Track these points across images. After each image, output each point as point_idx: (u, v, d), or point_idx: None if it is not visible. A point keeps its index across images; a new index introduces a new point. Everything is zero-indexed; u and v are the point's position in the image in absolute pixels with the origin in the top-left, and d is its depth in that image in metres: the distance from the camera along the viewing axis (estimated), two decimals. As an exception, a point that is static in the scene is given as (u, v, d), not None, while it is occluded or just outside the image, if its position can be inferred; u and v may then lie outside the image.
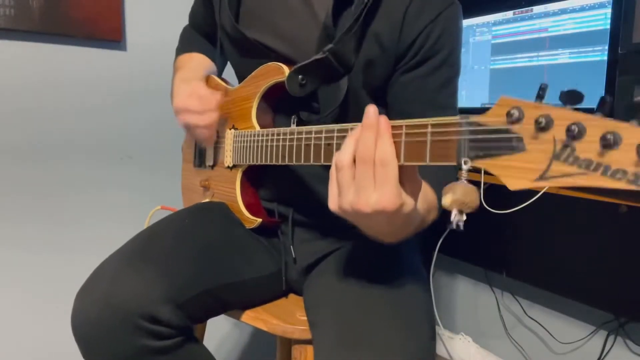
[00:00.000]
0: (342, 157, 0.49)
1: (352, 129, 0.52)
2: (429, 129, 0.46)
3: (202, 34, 1.01)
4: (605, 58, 1.00)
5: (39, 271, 1.30)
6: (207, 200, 0.90)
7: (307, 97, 0.73)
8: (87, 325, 0.63)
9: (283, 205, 0.83)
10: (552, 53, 1.10)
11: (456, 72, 0.76)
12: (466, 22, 1.25)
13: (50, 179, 1.30)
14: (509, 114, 0.39)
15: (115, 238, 0.75)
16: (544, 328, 1.34)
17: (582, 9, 1.04)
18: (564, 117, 0.36)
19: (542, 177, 0.37)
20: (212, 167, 0.90)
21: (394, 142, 0.48)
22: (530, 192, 1.00)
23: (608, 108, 0.35)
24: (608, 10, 0.99)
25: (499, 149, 0.40)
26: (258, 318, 0.77)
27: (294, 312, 0.79)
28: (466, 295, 1.60)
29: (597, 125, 0.34)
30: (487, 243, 1.43)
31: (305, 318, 0.74)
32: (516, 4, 1.17)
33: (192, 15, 1.04)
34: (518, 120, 0.39)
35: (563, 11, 1.08)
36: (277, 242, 0.84)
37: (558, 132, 0.36)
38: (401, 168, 0.48)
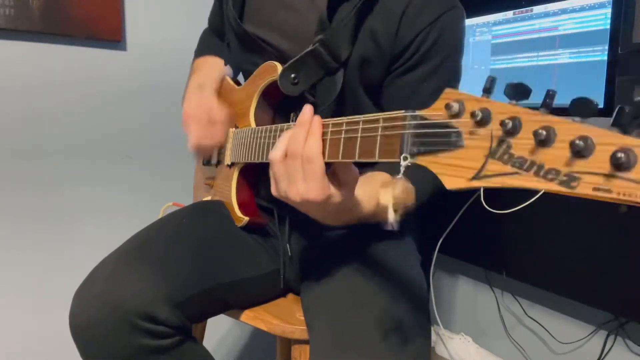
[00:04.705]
0: (274, 153, 0.54)
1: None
2: (380, 123, 0.44)
3: (219, 36, 1.01)
4: (605, 58, 1.00)
5: (39, 271, 1.30)
6: (208, 198, 0.90)
7: (304, 93, 0.72)
8: (85, 325, 0.63)
9: (282, 204, 0.82)
10: (552, 53, 1.10)
11: (451, 79, 0.73)
12: (466, 22, 1.25)
13: (51, 179, 1.30)
14: (447, 107, 0.36)
15: (122, 237, 0.75)
16: (544, 328, 1.34)
17: (582, 9, 1.04)
18: (502, 111, 0.33)
19: (477, 177, 0.34)
20: (217, 165, 0.90)
21: (353, 138, 0.48)
22: (530, 192, 1.00)
23: (553, 101, 0.33)
24: (608, 10, 0.99)
25: (438, 145, 0.37)
26: (258, 318, 0.77)
27: (294, 312, 0.79)
28: (466, 295, 1.60)
29: (533, 120, 0.32)
30: (487, 243, 1.43)
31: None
32: (516, 4, 1.17)
33: (211, 18, 1.05)
34: (458, 114, 0.36)
35: (563, 11, 1.08)
36: (275, 242, 0.84)
37: (495, 128, 0.33)
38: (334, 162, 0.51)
